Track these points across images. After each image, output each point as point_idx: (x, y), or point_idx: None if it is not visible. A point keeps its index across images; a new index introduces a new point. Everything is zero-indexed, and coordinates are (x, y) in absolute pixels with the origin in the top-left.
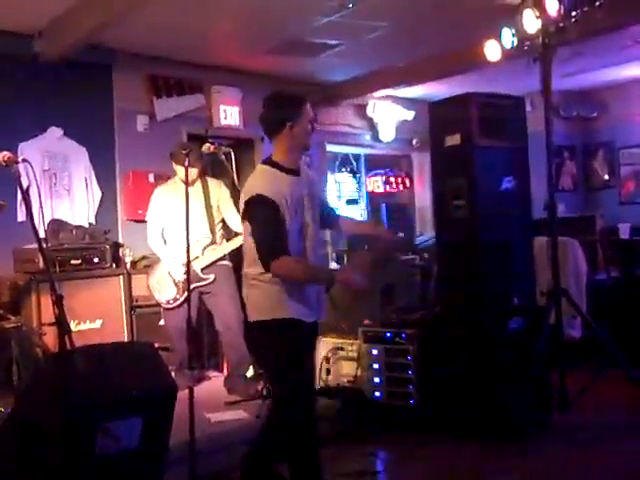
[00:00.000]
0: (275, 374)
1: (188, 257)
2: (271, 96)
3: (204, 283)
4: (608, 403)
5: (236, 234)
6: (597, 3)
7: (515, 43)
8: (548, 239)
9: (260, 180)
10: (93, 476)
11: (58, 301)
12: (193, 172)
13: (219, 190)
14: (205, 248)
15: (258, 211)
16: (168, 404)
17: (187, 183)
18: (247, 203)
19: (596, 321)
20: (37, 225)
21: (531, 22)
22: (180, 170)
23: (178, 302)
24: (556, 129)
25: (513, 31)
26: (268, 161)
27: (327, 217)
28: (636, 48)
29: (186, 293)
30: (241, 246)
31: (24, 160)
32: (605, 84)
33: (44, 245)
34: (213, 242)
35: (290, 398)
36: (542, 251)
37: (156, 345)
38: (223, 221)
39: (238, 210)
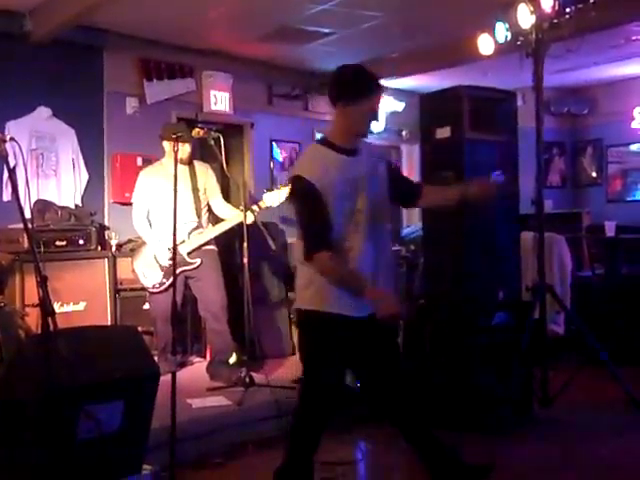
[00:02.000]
0: (304, 368)
1: (174, 239)
2: (350, 68)
3: (190, 267)
4: (589, 399)
5: (222, 219)
6: (591, 0)
7: (508, 38)
8: (534, 234)
9: (306, 159)
10: (74, 458)
11: (42, 282)
12: (186, 148)
13: (206, 174)
14: (191, 232)
15: (299, 197)
16: (150, 388)
17: (176, 160)
18: (290, 182)
19: (579, 317)
20: (23, 205)
21: (525, 17)
22: (170, 147)
23: (164, 286)
24: (546, 125)
25: (507, 26)
26: (321, 139)
27: (405, 195)
28: (628, 46)
29: (172, 277)
30: (228, 230)
31: (11, 139)
32: (596, 81)
33: (29, 225)
34: (199, 226)
35: (311, 396)
36: (528, 246)
37: (140, 329)
38: (209, 205)
39: (224, 196)
